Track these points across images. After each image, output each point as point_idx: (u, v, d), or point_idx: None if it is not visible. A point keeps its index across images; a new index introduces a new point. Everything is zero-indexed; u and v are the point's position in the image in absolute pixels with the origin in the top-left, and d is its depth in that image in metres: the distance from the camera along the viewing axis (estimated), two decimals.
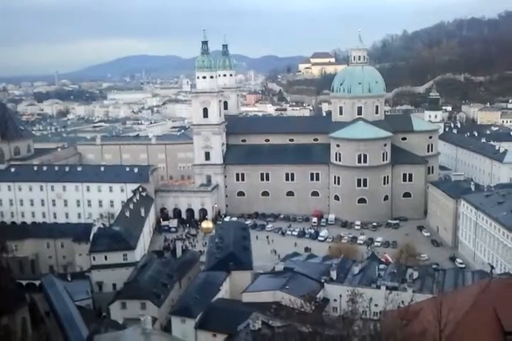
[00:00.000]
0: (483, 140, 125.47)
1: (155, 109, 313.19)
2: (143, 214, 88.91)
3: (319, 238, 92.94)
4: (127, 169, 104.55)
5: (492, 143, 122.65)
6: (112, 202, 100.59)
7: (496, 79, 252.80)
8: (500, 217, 70.68)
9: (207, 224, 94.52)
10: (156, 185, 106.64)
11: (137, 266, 66.92)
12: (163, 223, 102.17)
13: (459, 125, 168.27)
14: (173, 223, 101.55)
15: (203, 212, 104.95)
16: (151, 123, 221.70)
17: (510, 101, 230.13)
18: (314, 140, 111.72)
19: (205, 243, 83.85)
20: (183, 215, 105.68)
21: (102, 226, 79.94)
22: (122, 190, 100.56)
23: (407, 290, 53.27)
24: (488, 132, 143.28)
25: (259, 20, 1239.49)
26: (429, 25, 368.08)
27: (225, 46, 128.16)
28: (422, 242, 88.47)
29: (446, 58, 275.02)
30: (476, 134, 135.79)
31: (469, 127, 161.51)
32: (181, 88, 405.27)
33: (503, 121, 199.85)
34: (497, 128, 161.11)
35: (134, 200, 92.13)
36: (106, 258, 69.71)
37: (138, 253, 75.08)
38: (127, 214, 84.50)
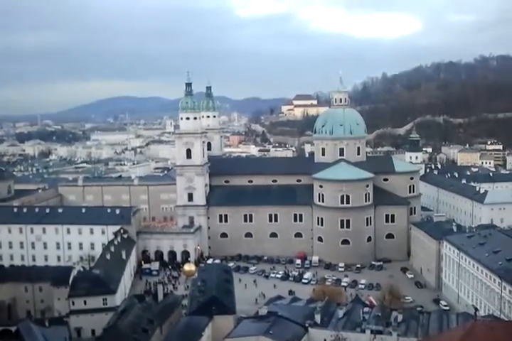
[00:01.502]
0: (464, 181, 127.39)
1: (138, 149, 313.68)
2: (124, 256, 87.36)
3: (303, 280, 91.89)
4: (109, 210, 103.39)
5: (472, 184, 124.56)
6: (92, 244, 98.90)
7: (474, 121, 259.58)
8: (483, 258, 70.88)
9: (189, 267, 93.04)
10: (138, 226, 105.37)
11: (117, 310, 65.13)
12: (145, 266, 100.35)
13: (439, 166, 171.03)
14: (155, 266, 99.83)
15: (186, 255, 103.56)
16: (133, 164, 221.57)
17: (488, 142, 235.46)
18: (297, 181, 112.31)
19: (188, 286, 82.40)
20: (165, 258, 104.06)
21: (81, 269, 78.26)
22: (103, 232, 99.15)
23: (392, 334, 52.58)
24: (468, 173, 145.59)
25: (243, 62, 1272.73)
26: (408, 68, 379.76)
27: (208, 88, 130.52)
28: (406, 284, 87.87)
29: (425, 100, 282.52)
30: (457, 175, 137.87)
31: (449, 168, 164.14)
32: (165, 129, 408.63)
33: (482, 162, 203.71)
34: (476, 169, 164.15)
35: (115, 243, 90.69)
36: (85, 302, 67.90)
37: (118, 298, 73.30)
38: (108, 256, 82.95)
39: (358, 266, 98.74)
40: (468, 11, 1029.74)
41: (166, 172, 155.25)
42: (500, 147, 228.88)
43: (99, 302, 68.80)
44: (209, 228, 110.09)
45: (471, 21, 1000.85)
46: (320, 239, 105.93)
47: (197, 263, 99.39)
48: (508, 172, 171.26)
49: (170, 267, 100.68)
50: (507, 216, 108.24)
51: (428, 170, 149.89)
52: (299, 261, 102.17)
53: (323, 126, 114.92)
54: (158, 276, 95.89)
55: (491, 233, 79.80)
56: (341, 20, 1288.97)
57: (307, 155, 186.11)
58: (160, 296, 69.80)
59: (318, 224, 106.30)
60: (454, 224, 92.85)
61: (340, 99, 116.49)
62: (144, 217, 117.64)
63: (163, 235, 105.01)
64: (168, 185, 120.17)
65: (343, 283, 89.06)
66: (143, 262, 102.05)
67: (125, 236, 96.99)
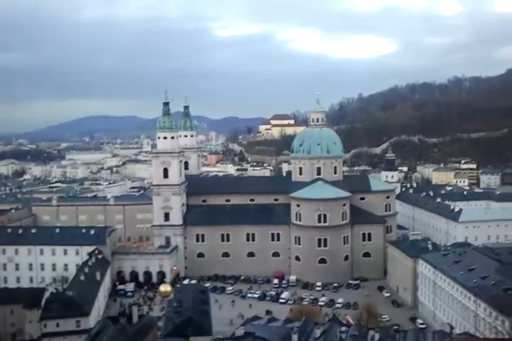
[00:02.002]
0: (439, 199, 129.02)
1: (114, 169, 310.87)
2: (98, 277, 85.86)
3: (280, 300, 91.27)
4: (83, 231, 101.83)
5: (447, 202, 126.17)
6: (66, 265, 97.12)
7: (448, 140, 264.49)
8: (458, 276, 71.49)
9: (165, 288, 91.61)
10: (113, 247, 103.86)
11: (91, 333, 63.61)
12: (120, 287, 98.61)
13: (414, 185, 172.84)
14: (130, 287, 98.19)
15: (161, 275, 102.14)
16: (109, 183, 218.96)
17: (462, 161, 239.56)
18: (275, 200, 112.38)
19: (163, 307, 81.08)
20: (141, 278, 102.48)
21: (54, 291, 76.39)
22: (77, 253, 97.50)
23: None
24: (442, 192, 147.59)
25: (221, 81, 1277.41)
26: (384, 88, 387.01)
27: (186, 107, 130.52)
28: (383, 303, 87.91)
29: (400, 120, 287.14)
30: (432, 194, 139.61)
31: (425, 187, 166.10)
32: (142, 148, 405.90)
33: (456, 181, 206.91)
34: (451, 188, 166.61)
35: (90, 263, 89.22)
36: (58, 325, 66.41)
37: (92, 320, 71.73)
38: (82, 278, 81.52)
39: (336, 284, 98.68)
40: (443, 33, 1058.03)
41: (142, 191, 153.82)
42: (474, 166, 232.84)
43: (72, 325, 67.39)
44: (186, 248, 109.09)
45: (445, 43, 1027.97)
46: (297, 258, 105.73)
47: (173, 283, 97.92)
48: (481, 190, 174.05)
49: (145, 288, 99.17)
50: (481, 234, 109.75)
51: (404, 189, 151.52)
52: (276, 281, 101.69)
53: (300, 145, 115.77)
54: (133, 297, 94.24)
55: (466, 251, 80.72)
56: (319, 41, 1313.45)
57: (284, 174, 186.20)
58: (135, 318, 68.34)
59: (295, 243, 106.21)
60: (429, 242, 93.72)
61: (318, 119, 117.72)
62: (119, 237, 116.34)
63: (138, 255, 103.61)
64: (144, 204, 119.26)
65: (320, 303, 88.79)
66: (118, 283, 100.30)
67: (100, 256, 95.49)
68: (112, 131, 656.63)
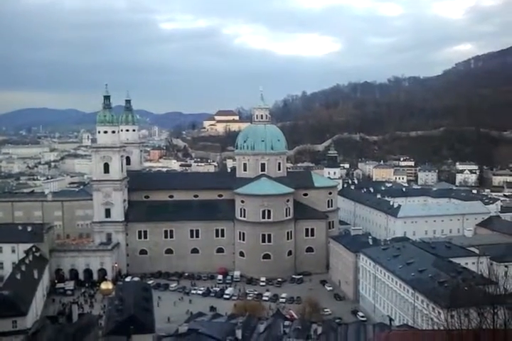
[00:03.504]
0: (379, 196, 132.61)
1: (52, 164, 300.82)
2: (36, 276, 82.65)
3: (225, 296, 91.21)
4: (20, 228, 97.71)
5: (387, 198, 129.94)
6: (1, 263, 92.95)
7: (388, 138, 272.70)
8: (397, 269, 73.71)
9: (106, 286, 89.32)
10: (51, 244, 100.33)
11: (28, 333, 61.39)
12: (59, 285, 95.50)
13: (356, 181, 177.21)
14: (70, 285, 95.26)
15: (103, 273, 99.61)
16: (47, 178, 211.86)
17: (401, 159, 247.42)
18: (219, 196, 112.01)
19: (104, 305, 79.19)
20: (81, 276, 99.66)
21: None
22: (13, 251, 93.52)
23: None
24: (382, 188, 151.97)
25: (163, 76, 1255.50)
26: (327, 87, 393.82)
27: (127, 101, 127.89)
28: (325, 297, 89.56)
29: (342, 118, 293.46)
30: (372, 190, 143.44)
31: (365, 183, 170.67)
32: (81, 142, 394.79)
33: (396, 178, 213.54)
34: (390, 184, 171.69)
35: (27, 261, 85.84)
36: None
37: (29, 320, 69.13)
38: (18, 276, 78.20)
39: (279, 279, 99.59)
40: (387, 34, 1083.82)
41: (82, 187, 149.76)
42: (412, 163, 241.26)
43: (8, 325, 64.62)
44: (127, 245, 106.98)
45: (388, 44, 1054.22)
46: (242, 253, 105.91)
47: (114, 281, 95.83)
48: (419, 187, 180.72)
49: (86, 285, 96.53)
50: (419, 229, 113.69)
51: (345, 185, 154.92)
52: (220, 277, 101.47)
53: (244, 141, 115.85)
54: (72, 296, 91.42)
55: (404, 245, 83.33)
56: (264, 38, 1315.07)
57: (229, 170, 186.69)
58: (75, 317, 66.31)
59: (239, 239, 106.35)
60: (370, 237, 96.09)
61: (262, 116, 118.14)
62: (58, 235, 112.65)
63: (78, 253, 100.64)
64: (84, 200, 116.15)
65: (264, 298, 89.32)
66: (56, 281, 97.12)
67: (37, 254, 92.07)
68: (51, 125, 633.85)
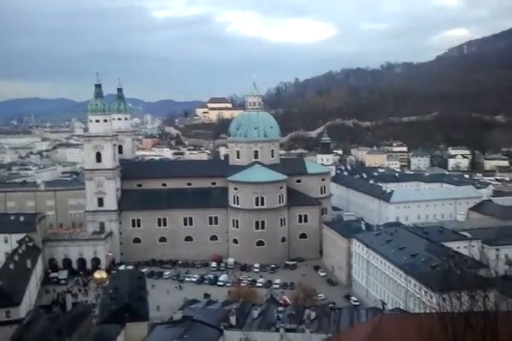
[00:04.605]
0: (372, 181, 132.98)
1: (44, 153, 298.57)
2: (29, 266, 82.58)
3: (218, 283, 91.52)
4: (12, 218, 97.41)
5: (379, 184, 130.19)
6: None
7: (381, 124, 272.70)
8: (390, 254, 74.11)
9: (100, 275, 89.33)
10: (44, 234, 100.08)
11: (22, 323, 61.36)
12: (52, 275, 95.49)
13: (349, 167, 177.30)
14: (63, 274, 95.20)
15: (96, 262, 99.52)
16: (39, 168, 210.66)
17: (394, 144, 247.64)
18: (212, 184, 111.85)
19: (98, 294, 79.33)
20: (74, 266, 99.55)
21: None
22: (6, 241, 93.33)
23: (305, 331, 53.42)
24: (375, 174, 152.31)
25: (156, 64, 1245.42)
26: (319, 74, 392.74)
27: (119, 90, 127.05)
28: (319, 282, 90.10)
29: (335, 105, 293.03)
30: (365, 176, 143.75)
31: (358, 169, 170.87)
32: (73, 132, 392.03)
33: (388, 164, 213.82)
34: (383, 170, 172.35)
35: (20, 251, 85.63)
36: None
37: (23, 309, 69.12)
38: (11, 266, 78.10)
39: (273, 266, 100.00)
40: (381, 19, 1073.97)
41: (74, 176, 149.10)
42: (405, 149, 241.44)
43: (1, 315, 64.65)
44: (121, 233, 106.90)
45: (382, 29, 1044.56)
46: (235, 241, 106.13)
47: (108, 270, 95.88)
48: (412, 172, 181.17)
49: (80, 274, 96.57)
50: (411, 214, 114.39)
51: (339, 172, 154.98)
52: (214, 264, 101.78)
53: (237, 129, 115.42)
54: (66, 285, 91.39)
55: (397, 230, 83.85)
56: (258, 24, 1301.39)
57: (222, 158, 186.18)
58: (68, 306, 66.44)
59: (233, 226, 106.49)
60: (362, 222, 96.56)
61: (255, 103, 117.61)
62: (50, 224, 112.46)
63: (71, 242, 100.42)
64: (76, 189, 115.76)
65: (258, 284, 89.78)
66: (50, 271, 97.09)
67: (30, 244, 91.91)
68: (42, 114, 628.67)
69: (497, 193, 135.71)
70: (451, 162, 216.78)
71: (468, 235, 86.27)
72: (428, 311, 40.42)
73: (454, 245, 77.50)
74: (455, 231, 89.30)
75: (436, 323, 31.17)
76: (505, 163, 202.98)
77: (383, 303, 71.35)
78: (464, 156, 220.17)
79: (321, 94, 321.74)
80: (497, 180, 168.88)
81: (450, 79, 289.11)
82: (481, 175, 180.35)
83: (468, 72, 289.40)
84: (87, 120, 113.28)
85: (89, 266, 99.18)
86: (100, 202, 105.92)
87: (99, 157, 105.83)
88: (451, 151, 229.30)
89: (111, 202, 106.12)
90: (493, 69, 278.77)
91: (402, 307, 64.61)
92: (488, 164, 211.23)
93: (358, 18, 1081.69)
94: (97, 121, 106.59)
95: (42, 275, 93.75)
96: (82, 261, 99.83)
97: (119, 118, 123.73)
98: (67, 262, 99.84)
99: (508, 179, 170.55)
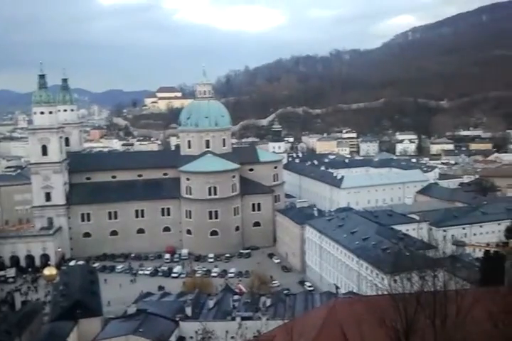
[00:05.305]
0: (323, 168, 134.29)
1: None
2: None
3: (173, 275, 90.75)
4: None
5: (330, 170, 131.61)
6: None
7: (331, 111, 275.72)
8: (341, 239, 75.33)
9: (49, 271, 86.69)
10: None
11: None
12: None
13: (300, 155, 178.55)
14: (11, 272, 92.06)
15: (45, 258, 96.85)
16: None
17: (343, 131, 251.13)
18: (164, 174, 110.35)
19: (49, 291, 77.18)
20: (22, 263, 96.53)
21: None
22: None
23: (262, 319, 53.53)
24: (326, 160, 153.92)
25: (102, 53, 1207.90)
26: (269, 61, 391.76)
27: (64, 80, 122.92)
28: (273, 269, 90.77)
29: (285, 92, 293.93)
30: (316, 163, 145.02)
31: (310, 156, 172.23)
32: (17, 125, 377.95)
33: (338, 150, 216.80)
34: (334, 156, 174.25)
35: None
36: None
37: None
38: None
39: (227, 255, 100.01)
40: (329, 6, 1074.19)
41: (19, 171, 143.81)
42: (355, 135, 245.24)
43: None
44: (70, 228, 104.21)
45: (331, 16, 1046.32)
46: (189, 231, 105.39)
47: (58, 266, 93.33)
48: (361, 158, 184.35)
49: (29, 272, 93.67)
50: (362, 199, 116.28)
51: (290, 159, 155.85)
52: (168, 256, 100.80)
53: (188, 118, 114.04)
54: (14, 283, 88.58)
55: (348, 215, 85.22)
56: (206, 11, 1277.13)
57: (173, 148, 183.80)
58: (17, 305, 64.80)
59: (186, 217, 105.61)
60: (315, 209, 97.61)
61: (205, 92, 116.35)
62: None
63: (18, 239, 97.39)
64: (22, 184, 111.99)
65: (213, 274, 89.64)
66: None
67: None
68: None
69: (443, 176, 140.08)
70: (399, 147, 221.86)
71: (417, 218, 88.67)
72: (380, 293, 41.22)
73: (403, 228, 79.55)
74: (404, 214, 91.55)
75: (388, 304, 31.70)
76: (450, 147, 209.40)
77: (337, 287, 72.54)
78: (410, 141, 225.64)
79: (272, 82, 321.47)
80: (443, 163, 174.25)
81: (396, 65, 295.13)
82: (427, 159, 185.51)
83: (414, 59, 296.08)
84: (31, 112, 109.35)
85: (38, 262, 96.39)
86: (48, 196, 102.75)
87: (45, 150, 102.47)
88: (399, 136, 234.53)
89: (59, 197, 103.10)
90: (437, 56, 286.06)
91: (355, 291, 65.90)
92: (434, 148, 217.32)
93: (308, 4, 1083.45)
94: (42, 113, 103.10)
95: None
96: (30, 258, 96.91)
97: (65, 110, 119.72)
98: (14, 260, 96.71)
99: (453, 162, 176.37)
